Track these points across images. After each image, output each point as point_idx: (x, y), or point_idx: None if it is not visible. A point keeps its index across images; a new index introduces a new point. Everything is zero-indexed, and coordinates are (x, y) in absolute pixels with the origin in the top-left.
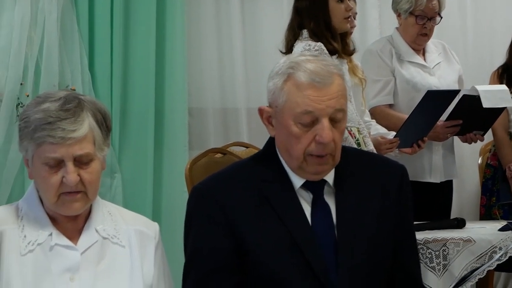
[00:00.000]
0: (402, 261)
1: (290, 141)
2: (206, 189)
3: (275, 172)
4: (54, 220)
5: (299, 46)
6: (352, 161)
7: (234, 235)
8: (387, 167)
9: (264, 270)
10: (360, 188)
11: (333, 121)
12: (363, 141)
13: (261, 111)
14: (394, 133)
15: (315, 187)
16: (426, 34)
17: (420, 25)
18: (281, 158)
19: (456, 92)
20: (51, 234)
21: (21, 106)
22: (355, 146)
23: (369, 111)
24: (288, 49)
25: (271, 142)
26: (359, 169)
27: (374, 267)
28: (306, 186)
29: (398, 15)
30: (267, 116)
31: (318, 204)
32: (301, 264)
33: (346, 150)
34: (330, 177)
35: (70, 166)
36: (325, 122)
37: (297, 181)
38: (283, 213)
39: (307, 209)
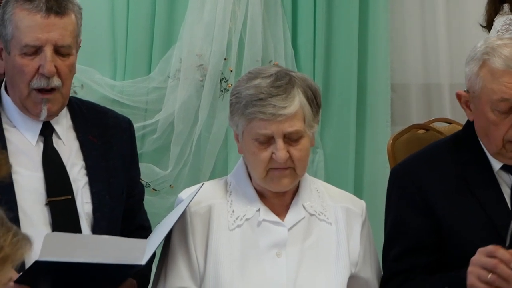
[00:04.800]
0: None
1: (489, 127)
2: (404, 170)
3: (474, 155)
4: (262, 196)
5: (499, 21)
6: None
7: (432, 215)
8: None
9: (461, 251)
10: None
11: None
12: None
13: (458, 96)
14: None
15: None
16: None
17: None
18: (480, 141)
19: None
20: (259, 210)
21: (224, 81)
22: None
23: None
24: (489, 23)
25: (470, 123)
26: None
27: None
28: (505, 168)
29: None
30: (465, 101)
31: None
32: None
33: None
34: None
35: (280, 143)
36: None
37: (496, 164)
38: (482, 196)
39: (507, 192)
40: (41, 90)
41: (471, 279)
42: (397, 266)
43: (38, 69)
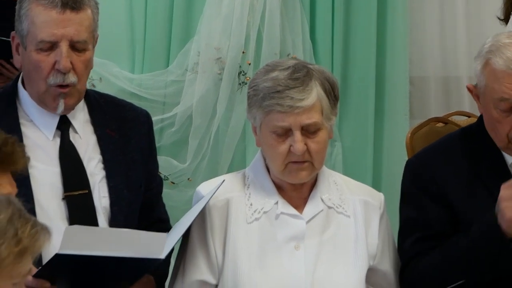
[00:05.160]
0: None
1: (493, 123)
2: (419, 162)
3: (486, 148)
4: (280, 189)
5: None
6: None
7: (447, 205)
8: None
9: None
10: None
11: None
12: None
13: (469, 89)
14: None
15: None
16: None
17: None
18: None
19: None
20: (277, 203)
21: (242, 74)
22: None
23: None
24: (506, 16)
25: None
26: None
27: None
28: None
29: None
30: (475, 94)
31: None
32: None
33: None
34: None
35: (297, 135)
36: None
37: (509, 158)
38: (495, 189)
39: None
40: (58, 85)
41: (509, 213)
42: (412, 252)
43: (54, 65)
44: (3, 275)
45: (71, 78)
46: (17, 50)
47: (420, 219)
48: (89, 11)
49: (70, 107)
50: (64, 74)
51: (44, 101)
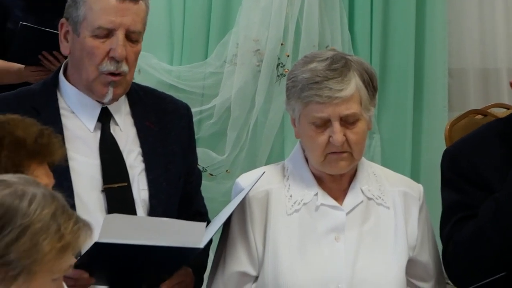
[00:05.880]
0: None
1: None
2: (458, 150)
3: None
4: (319, 180)
5: None
6: None
7: (488, 189)
8: None
9: None
10: None
11: None
12: None
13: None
14: None
15: None
16: None
17: None
18: None
19: None
20: (316, 194)
21: (281, 66)
22: None
23: None
24: None
25: None
26: None
27: None
28: None
29: None
30: None
31: None
32: None
33: None
34: None
35: (336, 125)
36: None
37: None
38: None
39: None
40: (109, 73)
41: None
42: (452, 232)
43: (108, 53)
44: (43, 270)
45: (124, 67)
46: (65, 37)
47: (462, 201)
48: (143, 5)
49: (117, 97)
50: (118, 62)
51: (92, 88)
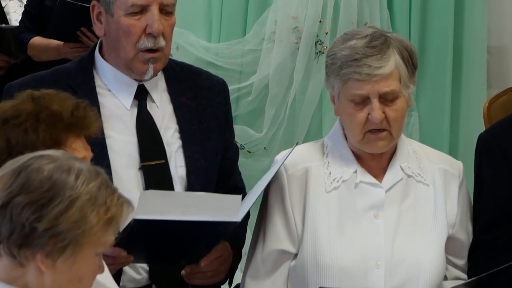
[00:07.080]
0: None
1: None
2: (490, 136)
3: None
4: (359, 158)
5: None
6: None
7: None
8: None
9: None
10: None
11: None
12: None
13: None
14: None
15: None
16: None
17: None
18: None
19: None
20: (355, 172)
21: (319, 44)
22: None
23: None
24: None
25: None
26: None
27: None
28: None
29: None
30: None
31: None
32: None
33: None
34: None
35: (375, 103)
36: None
37: None
38: None
39: None
40: (147, 50)
41: None
42: (483, 237)
43: (144, 29)
44: (90, 242)
45: (161, 42)
46: (98, 19)
47: (492, 197)
48: None
49: (156, 73)
50: (155, 38)
51: (132, 67)
